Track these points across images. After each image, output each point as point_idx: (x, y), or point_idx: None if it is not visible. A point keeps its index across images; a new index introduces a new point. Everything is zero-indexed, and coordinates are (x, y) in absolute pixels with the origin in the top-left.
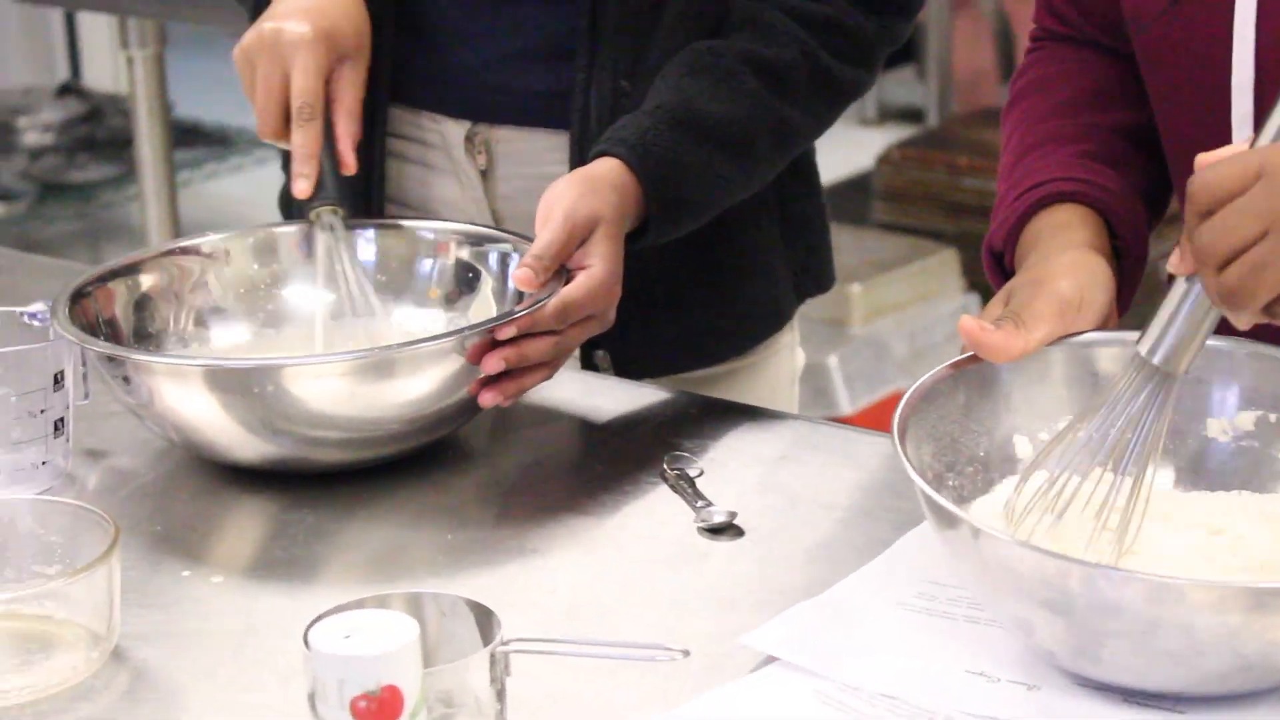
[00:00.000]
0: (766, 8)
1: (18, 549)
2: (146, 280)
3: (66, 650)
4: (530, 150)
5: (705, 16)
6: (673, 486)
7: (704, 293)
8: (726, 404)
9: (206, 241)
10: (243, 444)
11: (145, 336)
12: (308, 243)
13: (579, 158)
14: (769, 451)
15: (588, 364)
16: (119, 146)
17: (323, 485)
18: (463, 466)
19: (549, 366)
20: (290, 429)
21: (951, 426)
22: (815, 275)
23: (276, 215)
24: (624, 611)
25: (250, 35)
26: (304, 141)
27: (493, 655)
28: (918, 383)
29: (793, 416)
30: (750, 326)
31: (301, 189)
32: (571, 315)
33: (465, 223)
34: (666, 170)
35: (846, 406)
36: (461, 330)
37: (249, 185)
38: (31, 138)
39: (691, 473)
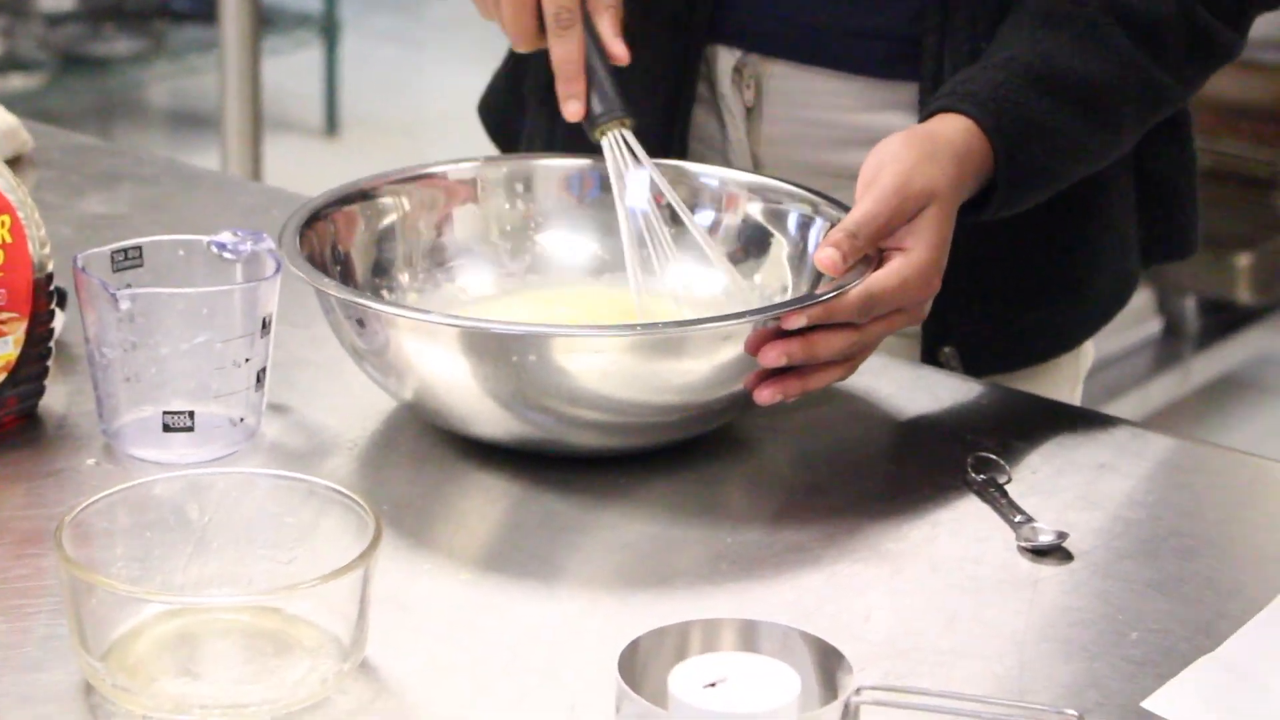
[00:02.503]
0: None
1: (248, 529)
2: (383, 209)
3: (308, 657)
4: (805, 91)
5: None
6: (980, 494)
7: (1057, 270)
8: (1028, 398)
9: (453, 168)
10: (488, 417)
11: (382, 274)
12: (583, 180)
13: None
14: (1085, 458)
15: (929, 359)
16: (146, 18)
17: (568, 469)
18: (729, 456)
19: (844, 366)
20: (546, 405)
21: None
22: (1172, 241)
23: (318, 106)
24: (957, 650)
25: None
26: (566, 54)
27: (846, 706)
28: None
29: (1111, 419)
30: (1100, 305)
31: (573, 111)
32: (878, 307)
33: (753, 171)
34: (1023, 133)
35: None
36: (749, 313)
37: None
38: (50, 2)
39: (1000, 479)
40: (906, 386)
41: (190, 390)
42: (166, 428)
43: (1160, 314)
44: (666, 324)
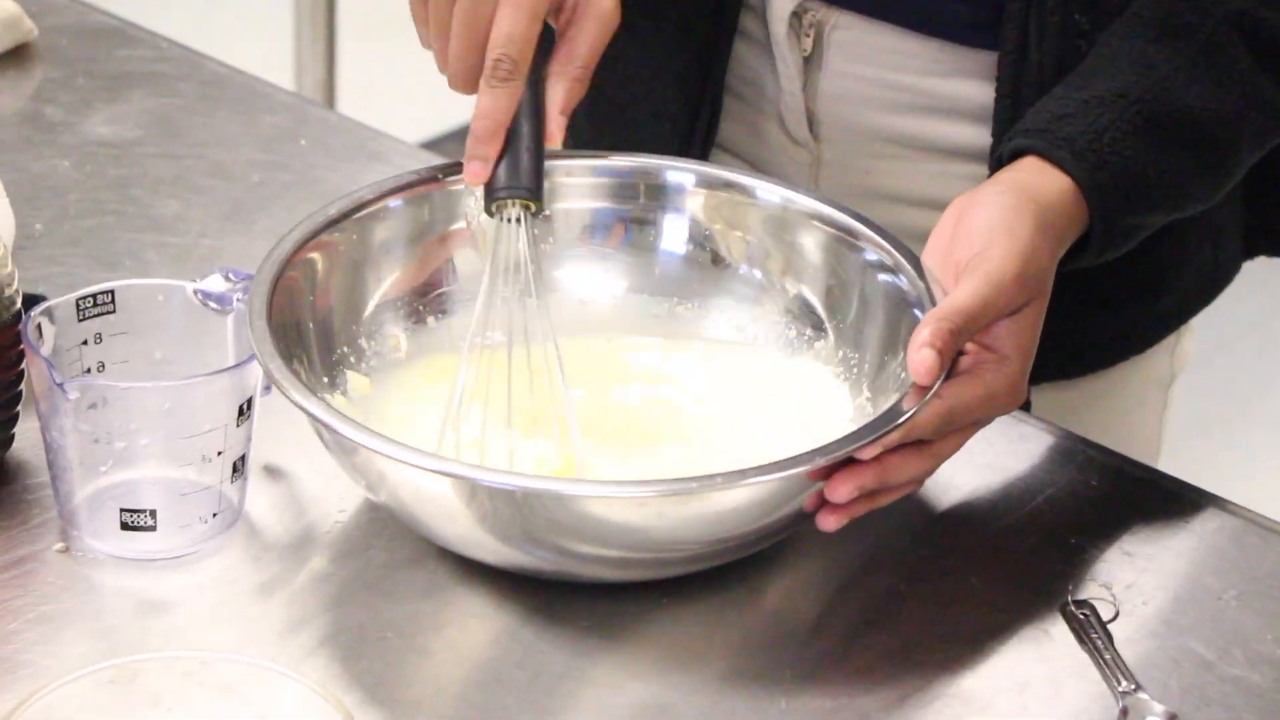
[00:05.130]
0: None
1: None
2: (357, 237)
3: None
4: (871, 47)
5: None
6: (1081, 637)
7: (1130, 268)
8: (1143, 476)
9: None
10: (488, 550)
11: (357, 319)
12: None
13: (1009, 96)
14: (1203, 569)
15: None
16: None
17: (574, 594)
18: (763, 571)
19: (916, 484)
20: (557, 543)
21: None
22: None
23: None
24: None
25: None
26: (491, 109)
27: None
28: None
29: (1232, 507)
30: (1180, 304)
31: (474, 172)
32: (957, 424)
33: (805, 191)
34: (1125, 189)
35: None
36: (812, 455)
37: None
38: None
39: (1105, 614)
40: (984, 444)
41: (153, 486)
42: (125, 525)
43: None
44: (726, 475)
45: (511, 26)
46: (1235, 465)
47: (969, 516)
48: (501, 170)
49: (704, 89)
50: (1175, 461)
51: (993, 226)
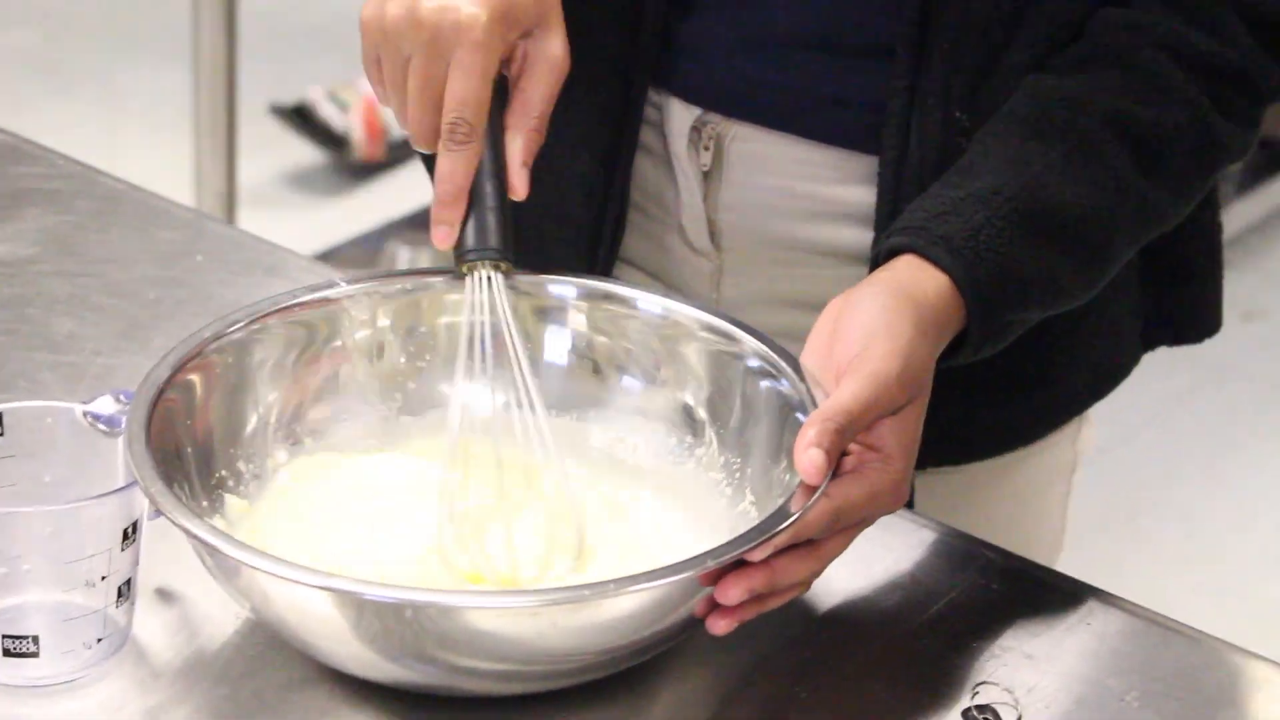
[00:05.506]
0: (1146, 41)
1: None
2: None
3: None
4: (769, 157)
5: (1065, 41)
6: None
7: (1020, 363)
8: (1037, 575)
9: (325, 292)
10: (373, 669)
11: (235, 442)
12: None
13: (890, 196)
14: (1102, 674)
15: None
16: None
17: (468, 710)
18: (653, 679)
19: (804, 586)
20: (445, 659)
21: None
22: (1184, 321)
23: None
24: None
25: (394, 6)
26: (451, 172)
27: None
28: None
29: (1135, 608)
30: (1071, 398)
31: (440, 237)
32: (844, 522)
33: (697, 305)
34: (1002, 284)
35: None
36: (703, 559)
37: None
38: None
39: (1007, 718)
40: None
41: (36, 611)
42: (7, 652)
43: None
44: (610, 583)
45: (464, 90)
46: (1139, 559)
47: (869, 622)
48: (469, 232)
49: (608, 199)
50: (1078, 554)
51: (872, 327)
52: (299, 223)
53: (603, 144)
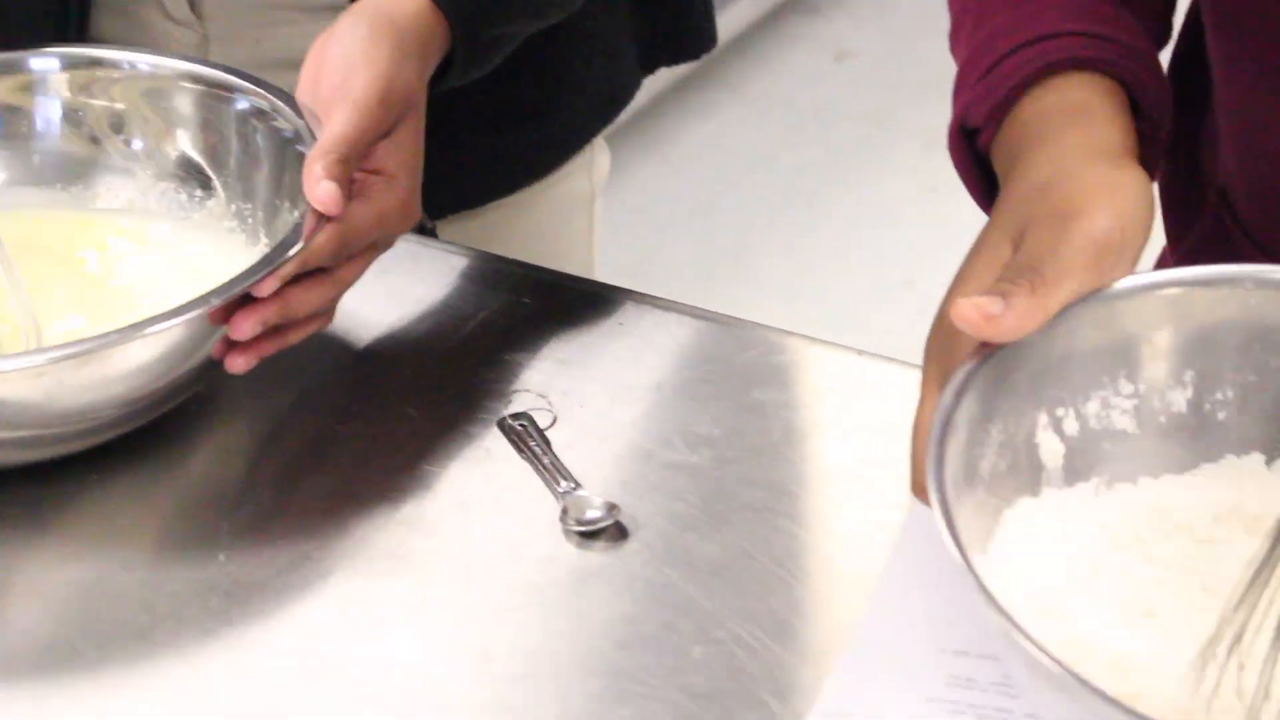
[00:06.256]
0: None
1: None
2: None
3: None
4: None
5: None
6: (520, 447)
7: (527, 93)
8: (570, 281)
9: None
10: None
11: None
12: None
13: None
14: (628, 362)
15: None
16: None
17: None
18: (188, 436)
19: (324, 316)
20: None
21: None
22: (680, 40)
23: None
24: (454, 689)
25: None
26: None
27: None
28: (938, 417)
29: (647, 299)
30: (580, 126)
31: None
32: (354, 246)
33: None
34: (482, 1)
35: None
36: (206, 298)
37: None
38: None
39: (543, 422)
40: (400, 278)
41: None
42: None
43: None
44: (122, 330)
45: None
46: (749, 298)
47: (403, 351)
48: None
49: None
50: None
51: (351, 55)
52: None
53: None
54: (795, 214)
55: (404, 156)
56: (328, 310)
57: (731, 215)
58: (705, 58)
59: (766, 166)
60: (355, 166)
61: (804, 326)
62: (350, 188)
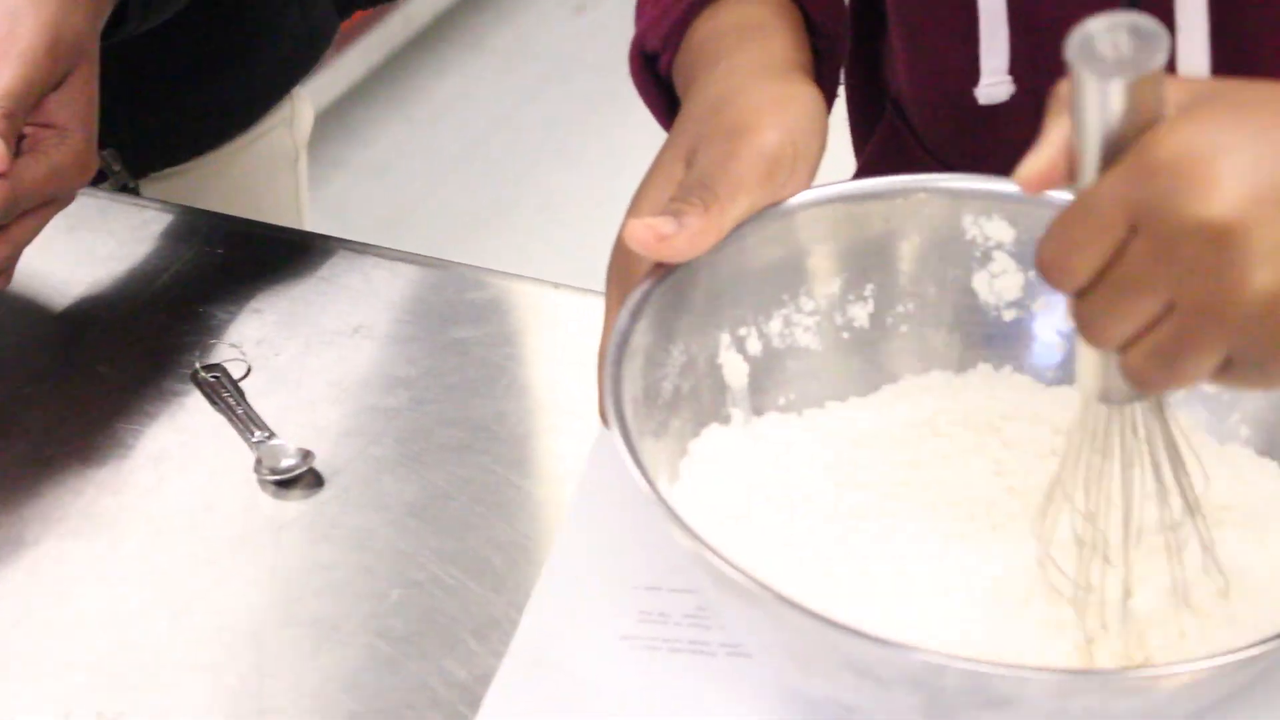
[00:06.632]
0: None
1: None
2: None
3: None
4: None
5: None
6: (213, 400)
7: (223, 40)
8: (268, 231)
9: None
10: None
11: None
12: None
13: None
14: (330, 310)
15: None
16: None
17: None
18: None
19: (2, 276)
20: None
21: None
22: None
23: None
24: (175, 661)
25: None
26: None
27: None
28: (614, 339)
29: (352, 245)
30: (280, 74)
31: None
32: (27, 203)
33: None
34: None
35: None
36: None
37: None
38: None
39: (236, 372)
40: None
41: None
42: None
43: None
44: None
45: None
46: (510, 250)
47: (93, 309)
48: None
49: None
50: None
51: (14, 5)
52: None
53: None
54: (547, 166)
55: (76, 108)
56: (5, 270)
57: (483, 170)
58: (445, 11)
59: (514, 120)
60: (24, 121)
61: (570, 277)
62: (20, 143)
